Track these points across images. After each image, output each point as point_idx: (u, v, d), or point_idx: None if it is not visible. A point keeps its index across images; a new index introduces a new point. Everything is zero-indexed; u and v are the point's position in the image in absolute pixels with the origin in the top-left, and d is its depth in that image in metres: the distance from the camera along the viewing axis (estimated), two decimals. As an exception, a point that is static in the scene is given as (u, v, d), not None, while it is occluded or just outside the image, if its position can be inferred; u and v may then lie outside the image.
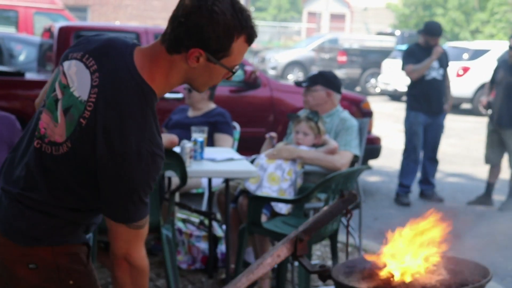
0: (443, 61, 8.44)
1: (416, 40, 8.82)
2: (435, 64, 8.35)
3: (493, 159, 8.43)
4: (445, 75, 8.50)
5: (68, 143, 2.29)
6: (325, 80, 5.78)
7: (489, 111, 8.38)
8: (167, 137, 5.11)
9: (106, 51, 2.33)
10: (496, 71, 8.46)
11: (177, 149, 5.23)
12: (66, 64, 2.37)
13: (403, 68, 8.46)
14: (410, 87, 8.56)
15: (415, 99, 8.40)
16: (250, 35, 2.28)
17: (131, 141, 2.21)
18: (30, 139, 2.39)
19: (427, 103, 8.35)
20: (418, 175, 8.93)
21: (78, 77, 2.31)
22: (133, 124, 2.23)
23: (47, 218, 2.33)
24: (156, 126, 2.30)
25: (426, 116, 8.38)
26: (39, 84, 7.48)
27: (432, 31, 8.35)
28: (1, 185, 2.40)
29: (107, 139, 2.22)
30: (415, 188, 8.69)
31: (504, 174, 8.68)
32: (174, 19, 2.26)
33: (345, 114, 5.74)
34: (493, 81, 8.48)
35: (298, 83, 6.01)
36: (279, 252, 2.61)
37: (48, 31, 9.32)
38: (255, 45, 34.58)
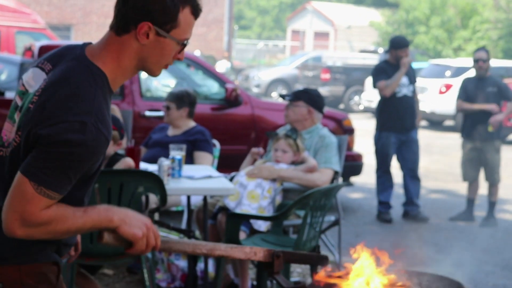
0: (412, 77, 8.46)
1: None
2: (405, 80, 8.36)
3: (470, 176, 8.49)
4: (414, 91, 8.53)
5: (18, 132, 2.25)
6: (308, 97, 5.80)
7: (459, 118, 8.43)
8: (124, 162, 5.07)
9: (61, 54, 2.35)
10: (463, 89, 8.51)
11: (155, 167, 5.21)
12: (24, 75, 2.39)
13: (374, 86, 8.46)
14: (381, 106, 8.50)
15: (388, 118, 8.37)
16: (194, 6, 2.32)
17: (75, 111, 2.15)
18: None
19: (400, 121, 8.34)
20: (399, 191, 8.94)
21: (35, 80, 2.32)
22: (79, 98, 2.18)
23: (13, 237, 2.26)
24: (108, 111, 2.26)
25: (399, 135, 8.37)
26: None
27: (400, 43, 8.37)
28: None
29: (50, 109, 2.16)
30: (399, 208, 8.67)
31: (484, 190, 8.70)
32: (119, 0, 2.29)
33: (324, 131, 5.74)
34: (464, 97, 8.52)
35: (282, 96, 6.06)
36: (256, 250, 2.60)
37: (29, 50, 9.30)
38: (239, 62, 34.76)
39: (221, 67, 25.73)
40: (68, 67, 2.26)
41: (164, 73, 10.55)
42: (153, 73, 2.36)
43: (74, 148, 2.14)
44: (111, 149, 5.10)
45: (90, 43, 2.36)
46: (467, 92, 8.46)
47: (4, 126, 2.37)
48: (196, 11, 2.33)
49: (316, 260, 2.76)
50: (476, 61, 8.38)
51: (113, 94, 2.35)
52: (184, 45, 2.34)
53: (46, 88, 2.24)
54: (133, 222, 2.29)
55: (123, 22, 2.28)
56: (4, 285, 2.32)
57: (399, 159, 8.51)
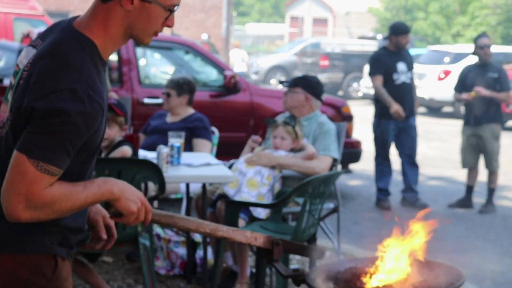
0: (410, 64, 8.43)
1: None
2: (404, 67, 8.32)
3: (470, 163, 8.48)
4: (412, 78, 8.51)
5: (11, 114, 2.22)
6: (306, 84, 5.79)
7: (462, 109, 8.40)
8: (120, 151, 5.07)
9: (51, 29, 2.33)
10: (464, 76, 8.46)
11: (153, 154, 5.21)
12: (19, 56, 2.37)
13: (370, 75, 8.44)
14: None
15: (387, 106, 8.35)
16: None
17: (64, 79, 2.12)
18: None
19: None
20: (397, 177, 8.95)
21: (27, 58, 2.29)
22: (68, 66, 2.15)
23: (8, 223, 2.17)
24: (100, 79, 2.23)
25: (398, 122, 8.32)
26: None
27: (400, 30, 8.34)
28: None
29: (40, 81, 2.13)
30: (398, 195, 8.68)
31: (483, 177, 8.71)
32: None
33: (323, 118, 5.74)
34: (461, 88, 8.46)
35: (281, 82, 6.07)
36: (257, 236, 2.60)
37: (27, 37, 9.29)
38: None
39: (236, 58, 24.26)
40: (55, 38, 2.24)
41: (162, 60, 10.53)
42: (142, 40, 2.30)
43: (68, 117, 2.09)
44: (116, 134, 5.10)
45: (78, 16, 2.33)
46: (466, 81, 8.41)
47: (1, 108, 2.34)
48: None
49: (312, 253, 2.79)
50: (481, 47, 8.30)
51: (106, 64, 2.31)
52: (171, 11, 2.28)
53: (34, 61, 2.21)
54: (131, 196, 2.27)
55: None
56: None
57: (397, 146, 8.51)
